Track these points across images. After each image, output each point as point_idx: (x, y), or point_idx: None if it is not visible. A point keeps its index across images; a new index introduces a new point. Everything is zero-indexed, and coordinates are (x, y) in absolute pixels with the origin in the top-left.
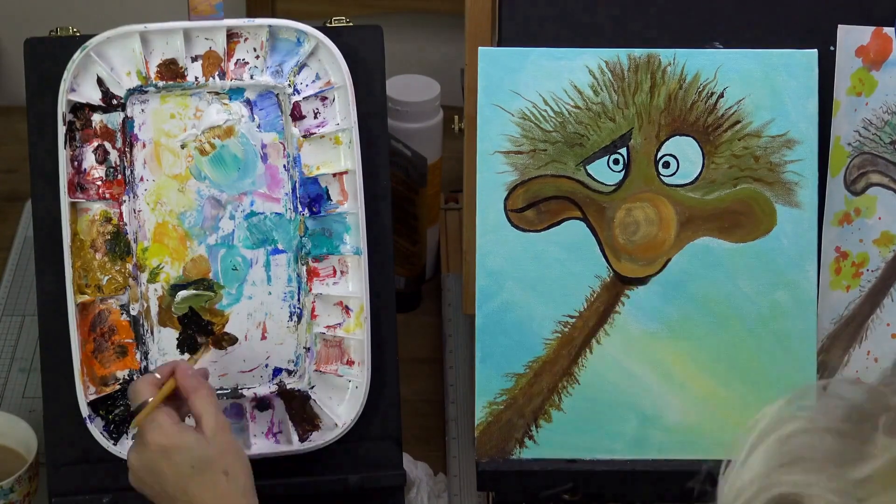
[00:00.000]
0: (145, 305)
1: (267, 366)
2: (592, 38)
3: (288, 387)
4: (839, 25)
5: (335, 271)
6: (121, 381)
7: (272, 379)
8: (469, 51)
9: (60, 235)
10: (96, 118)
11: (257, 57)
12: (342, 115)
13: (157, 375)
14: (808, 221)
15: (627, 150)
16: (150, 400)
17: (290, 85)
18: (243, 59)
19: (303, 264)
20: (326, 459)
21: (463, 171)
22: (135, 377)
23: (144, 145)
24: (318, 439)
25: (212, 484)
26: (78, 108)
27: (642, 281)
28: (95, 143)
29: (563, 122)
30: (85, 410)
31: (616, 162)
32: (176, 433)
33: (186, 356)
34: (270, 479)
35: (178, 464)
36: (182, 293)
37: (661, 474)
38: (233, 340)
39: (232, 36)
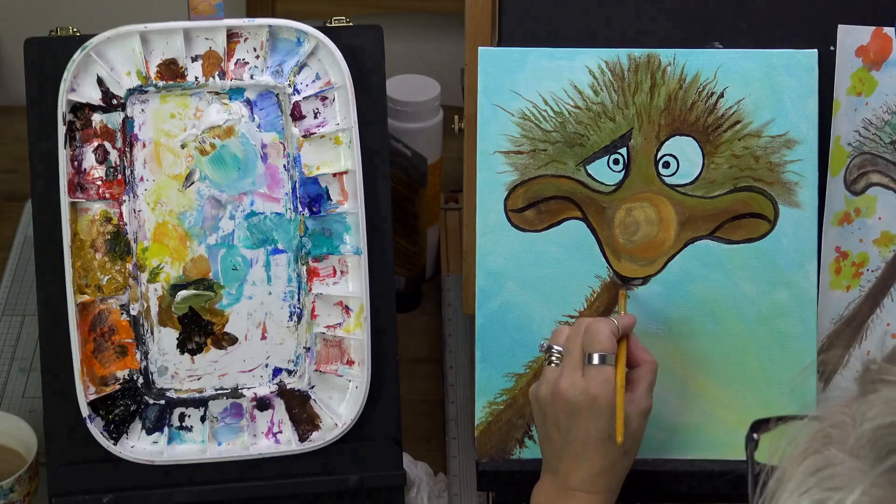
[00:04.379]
0: (145, 305)
1: (267, 366)
2: (592, 38)
3: (288, 387)
4: (839, 25)
5: (335, 271)
6: (121, 381)
7: (272, 379)
8: (469, 51)
9: (60, 235)
10: (96, 118)
11: (257, 57)
12: (342, 115)
13: (617, 327)
14: (808, 221)
15: (627, 150)
16: (616, 364)
17: (290, 85)
18: (243, 59)
19: (303, 264)
20: (326, 459)
21: (463, 171)
22: (135, 377)
23: (144, 145)
24: (318, 439)
25: (602, 453)
26: (78, 108)
27: (642, 281)
28: (95, 143)
29: (563, 122)
30: (85, 410)
31: (616, 162)
32: (612, 399)
33: (623, 291)
34: (270, 479)
35: (596, 426)
36: (182, 293)
37: (660, 474)
38: (233, 340)
39: (232, 36)
